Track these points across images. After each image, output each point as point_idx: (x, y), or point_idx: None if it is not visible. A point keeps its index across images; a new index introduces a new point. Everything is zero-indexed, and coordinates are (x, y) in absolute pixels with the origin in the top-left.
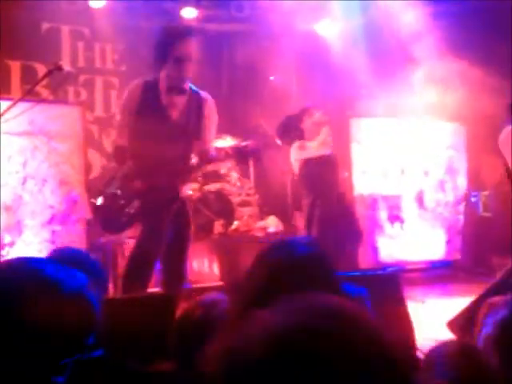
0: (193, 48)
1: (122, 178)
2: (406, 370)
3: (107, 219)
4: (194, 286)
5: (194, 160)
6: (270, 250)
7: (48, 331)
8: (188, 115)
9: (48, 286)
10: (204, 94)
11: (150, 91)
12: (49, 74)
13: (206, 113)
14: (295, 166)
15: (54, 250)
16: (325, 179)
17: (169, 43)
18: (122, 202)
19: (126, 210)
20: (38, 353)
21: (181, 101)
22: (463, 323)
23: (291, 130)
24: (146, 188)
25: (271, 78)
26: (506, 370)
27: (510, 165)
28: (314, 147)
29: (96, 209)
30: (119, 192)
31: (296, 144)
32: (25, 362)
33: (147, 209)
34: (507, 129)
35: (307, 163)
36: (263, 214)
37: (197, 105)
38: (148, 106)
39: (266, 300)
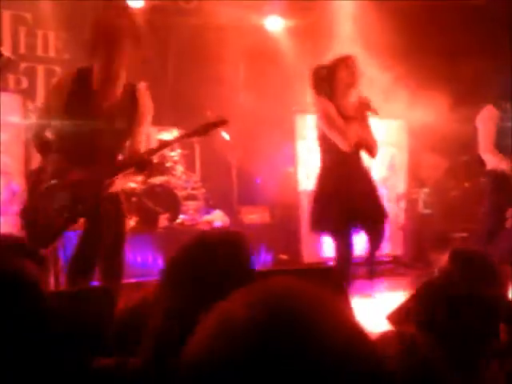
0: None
1: (51, 174)
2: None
3: (39, 230)
4: (137, 279)
5: (122, 156)
6: (187, 246)
7: None
8: (120, 108)
9: None
10: (141, 86)
11: (83, 79)
12: None
13: (141, 105)
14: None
15: (1, 237)
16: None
17: (101, 30)
18: (54, 207)
19: (59, 215)
20: None
21: (114, 92)
22: (401, 317)
23: (322, 79)
24: (72, 184)
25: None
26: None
27: (484, 143)
28: (339, 139)
29: (26, 223)
30: (51, 189)
31: (326, 107)
32: None
33: (79, 206)
34: (488, 107)
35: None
36: (209, 207)
37: (131, 97)
38: (79, 93)
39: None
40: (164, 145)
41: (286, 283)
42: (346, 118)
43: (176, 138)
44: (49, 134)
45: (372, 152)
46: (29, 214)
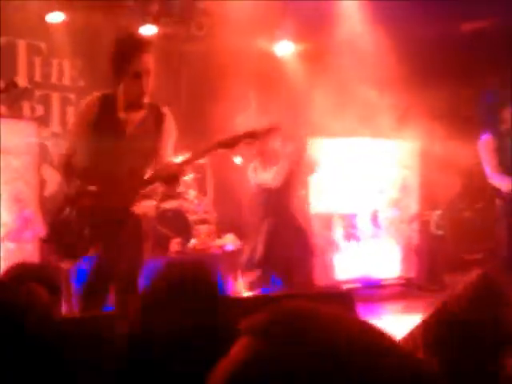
0: (150, 62)
1: (73, 199)
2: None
3: (63, 247)
4: None
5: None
6: (160, 271)
7: None
8: (145, 131)
9: None
10: (164, 109)
11: (107, 105)
12: (4, 90)
13: (166, 127)
14: (251, 185)
15: (16, 265)
16: (276, 207)
17: (126, 57)
18: (76, 226)
19: (82, 233)
20: None
21: (138, 116)
22: (411, 342)
23: (250, 143)
24: (97, 208)
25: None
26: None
27: (488, 170)
28: (268, 178)
29: (50, 238)
30: (73, 215)
31: (253, 165)
32: None
33: (100, 231)
34: (486, 136)
35: (261, 192)
36: (221, 231)
37: (155, 119)
38: (104, 120)
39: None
40: (192, 159)
41: (312, 310)
42: None
43: (205, 149)
44: (74, 161)
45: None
46: (52, 238)
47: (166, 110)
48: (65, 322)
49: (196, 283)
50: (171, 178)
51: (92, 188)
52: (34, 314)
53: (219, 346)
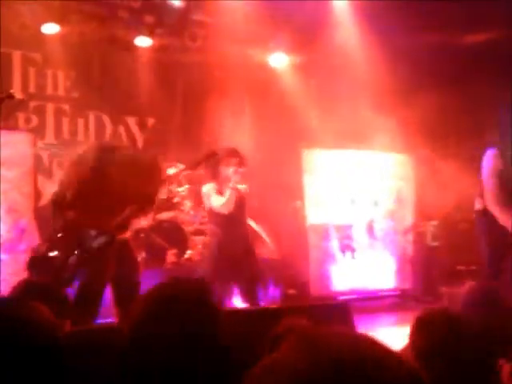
0: None
1: (61, 229)
2: None
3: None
4: None
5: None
6: (154, 289)
7: None
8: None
9: None
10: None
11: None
12: (0, 101)
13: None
14: (205, 204)
15: (19, 282)
16: (228, 229)
17: None
18: (61, 256)
19: (68, 262)
20: None
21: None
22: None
23: (209, 166)
24: (80, 233)
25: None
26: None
27: (489, 197)
28: (218, 206)
29: (37, 272)
30: (58, 246)
31: (208, 186)
32: None
33: (87, 257)
34: (489, 152)
35: (215, 217)
36: None
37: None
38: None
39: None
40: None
41: (349, 336)
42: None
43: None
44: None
45: None
46: (40, 264)
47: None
48: (67, 335)
49: (192, 305)
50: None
51: (71, 216)
52: (36, 331)
53: (215, 363)
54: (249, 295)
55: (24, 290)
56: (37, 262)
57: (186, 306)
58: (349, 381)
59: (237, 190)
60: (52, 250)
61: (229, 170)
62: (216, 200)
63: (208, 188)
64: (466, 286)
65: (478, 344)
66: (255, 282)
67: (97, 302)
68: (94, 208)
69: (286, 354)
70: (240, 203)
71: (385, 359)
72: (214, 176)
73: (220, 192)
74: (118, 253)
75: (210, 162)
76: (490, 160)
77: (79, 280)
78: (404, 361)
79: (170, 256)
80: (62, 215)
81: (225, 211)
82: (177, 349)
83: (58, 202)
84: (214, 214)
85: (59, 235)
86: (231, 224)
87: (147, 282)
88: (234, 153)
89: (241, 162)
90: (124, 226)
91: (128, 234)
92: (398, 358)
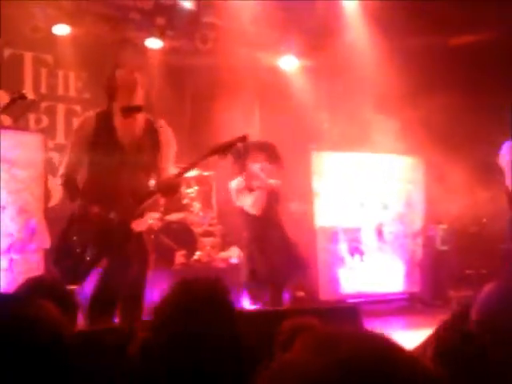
0: (136, 75)
1: (76, 221)
2: None
3: (66, 271)
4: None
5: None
6: (173, 289)
7: None
8: (142, 145)
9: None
10: (160, 121)
11: (102, 120)
12: (12, 102)
13: (162, 140)
14: (235, 200)
15: (27, 280)
16: (262, 229)
17: (114, 74)
18: (78, 249)
19: (84, 256)
20: None
21: (135, 125)
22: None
23: (236, 159)
24: (99, 227)
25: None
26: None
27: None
28: (247, 205)
29: (54, 261)
30: (75, 238)
31: (237, 182)
32: None
33: (103, 249)
34: (507, 144)
35: (246, 216)
36: (226, 244)
37: (151, 133)
38: (101, 137)
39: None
40: (188, 168)
41: (362, 336)
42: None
43: (198, 158)
44: (74, 176)
45: None
46: (57, 255)
47: (162, 122)
48: (73, 336)
49: (211, 302)
50: (170, 189)
51: (94, 209)
52: (42, 330)
53: (239, 362)
54: (275, 298)
55: (32, 288)
56: (57, 256)
57: (209, 307)
58: (364, 381)
59: (266, 188)
60: (69, 243)
61: (256, 167)
62: (244, 199)
63: (236, 184)
64: (485, 289)
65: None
66: (283, 284)
67: (114, 299)
68: (105, 193)
69: (299, 355)
70: (271, 201)
71: (400, 358)
72: (242, 170)
73: (249, 188)
74: (134, 246)
75: (238, 155)
76: (509, 152)
77: (98, 276)
78: (420, 360)
79: (179, 257)
80: (73, 203)
81: (254, 212)
82: (203, 348)
83: (67, 189)
84: (244, 213)
85: (76, 228)
86: (263, 224)
87: (156, 283)
88: (262, 147)
89: (270, 158)
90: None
91: (143, 228)
92: (413, 358)
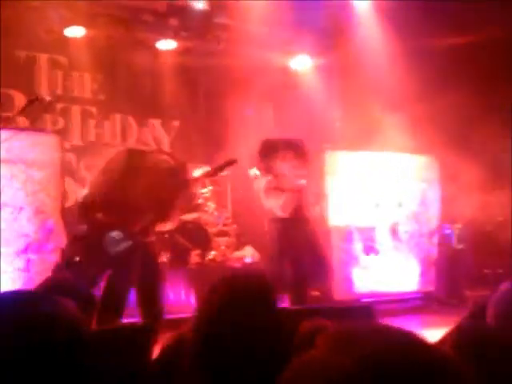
0: None
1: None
2: None
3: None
4: (170, 316)
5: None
6: (216, 284)
7: None
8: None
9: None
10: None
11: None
12: (30, 104)
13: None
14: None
15: (46, 279)
16: (291, 234)
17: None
18: (86, 258)
19: (91, 264)
20: None
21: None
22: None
23: (263, 157)
24: (109, 238)
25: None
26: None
27: None
28: (276, 207)
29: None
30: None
31: (264, 182)
32: None
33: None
34: None
35: (274, 221)
36: (240, 244)
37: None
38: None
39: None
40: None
41: (387, 332)
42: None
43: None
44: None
45: None
46: (70, 262)
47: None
48: (92, 334)
49: (260, 299)
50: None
51: (98, 215)
52: (60, 326)
53: (277, 352)
54: (300, 298)
55: (51, 286)
56: (66, 265)
57: (259, 304)
58: (394, 377)
59: (295, 190)
60: (77, 253)
61: (285, 166)
62: (272, 201)
63: (263, 184)
64: (501, 288)
65: None
66: (308, 284)
67: (121, 303)
68: (120, 212)
69: (321, 353)
70: (300, 202)
71: (427, 354)
72: (269, 170)
73: (278, 189)
74: (141, 256)
75: (265, 152)
76: None
77: (104, 282)
78: (448, 355)
79: (194, 257)
80: (88, 217)
81: (283, 214)
82: (252, 343)
83: (87, 205)
84: (272, 214)
85: (84, 238)
86: (291, 226)
87: (171, 282)
88: (290, 145)
89: (299, 156)
90: (147, 231)
91: (152, 238)
92: (441, 352)
